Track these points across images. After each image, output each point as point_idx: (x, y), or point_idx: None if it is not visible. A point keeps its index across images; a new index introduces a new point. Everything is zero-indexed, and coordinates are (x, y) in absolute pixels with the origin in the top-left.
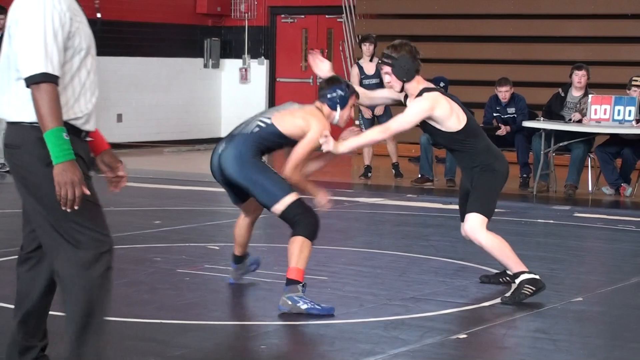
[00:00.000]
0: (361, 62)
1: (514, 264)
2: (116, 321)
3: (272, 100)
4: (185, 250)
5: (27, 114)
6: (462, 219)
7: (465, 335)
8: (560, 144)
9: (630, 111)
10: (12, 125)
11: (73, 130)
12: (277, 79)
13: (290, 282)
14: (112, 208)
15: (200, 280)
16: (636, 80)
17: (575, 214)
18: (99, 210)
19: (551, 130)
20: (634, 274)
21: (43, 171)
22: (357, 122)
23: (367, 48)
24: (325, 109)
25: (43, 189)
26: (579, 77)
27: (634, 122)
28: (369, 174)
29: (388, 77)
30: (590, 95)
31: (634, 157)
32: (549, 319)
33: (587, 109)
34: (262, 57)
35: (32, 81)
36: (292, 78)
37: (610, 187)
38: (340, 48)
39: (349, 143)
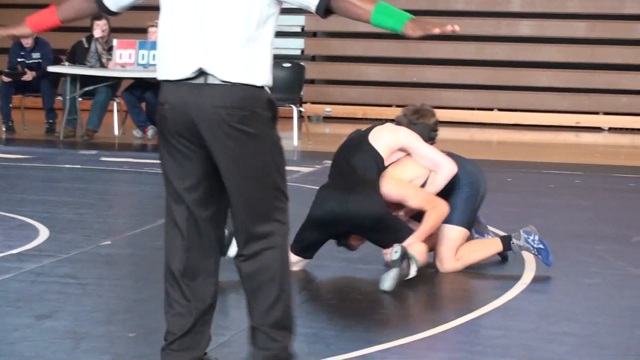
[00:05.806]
0: None
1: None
2: None
3: None
4: None
5: None
6: None
7: None
8: (86, 89)
9: (153, 55)
10: None
11: None
12: None
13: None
14: None
15: None
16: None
17: (102, 158)
18: None
19: (77, 75)
20: (158, 216)
21: None
22: None
23: None
24: None
25: None
26: (101, 27)
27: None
28: None
29: None
30: (115, 40)
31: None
32: (77, 264)
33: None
34: None
35: None
36: None
37: (139, 130)
38: None
39: None
